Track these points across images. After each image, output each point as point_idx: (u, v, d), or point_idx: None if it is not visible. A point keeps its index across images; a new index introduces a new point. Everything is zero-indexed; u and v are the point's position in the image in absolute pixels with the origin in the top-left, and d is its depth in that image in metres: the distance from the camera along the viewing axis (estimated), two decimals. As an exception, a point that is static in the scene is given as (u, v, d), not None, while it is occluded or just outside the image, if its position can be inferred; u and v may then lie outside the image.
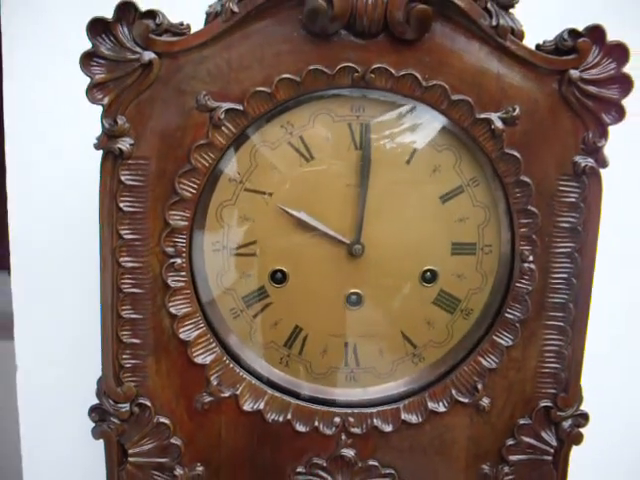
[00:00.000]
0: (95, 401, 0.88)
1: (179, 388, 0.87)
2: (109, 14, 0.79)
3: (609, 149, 0.87)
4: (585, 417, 0.93)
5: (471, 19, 0.80)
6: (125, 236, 0.82)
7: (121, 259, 0.83)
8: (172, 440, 0.88)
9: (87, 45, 0.79)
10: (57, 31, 1.08)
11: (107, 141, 0.80)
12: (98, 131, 0.81)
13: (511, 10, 0.83)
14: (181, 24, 0.80)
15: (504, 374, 0.90)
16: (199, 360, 0.86)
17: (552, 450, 0.94)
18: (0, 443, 1.41)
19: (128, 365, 0.86)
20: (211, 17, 0.80)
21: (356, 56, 0.80)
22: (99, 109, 0.81)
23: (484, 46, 0.82)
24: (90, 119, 0.83)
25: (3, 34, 1.14)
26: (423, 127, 0.86)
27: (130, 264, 0.83)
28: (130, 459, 0.89)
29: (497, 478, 0.93)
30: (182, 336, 0.85)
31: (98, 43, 0.78)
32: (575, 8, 0.92)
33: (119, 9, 0.77)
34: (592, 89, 0.83)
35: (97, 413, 0.88)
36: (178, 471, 0.89)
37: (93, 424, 0.88)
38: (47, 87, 1.13)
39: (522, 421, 0.92)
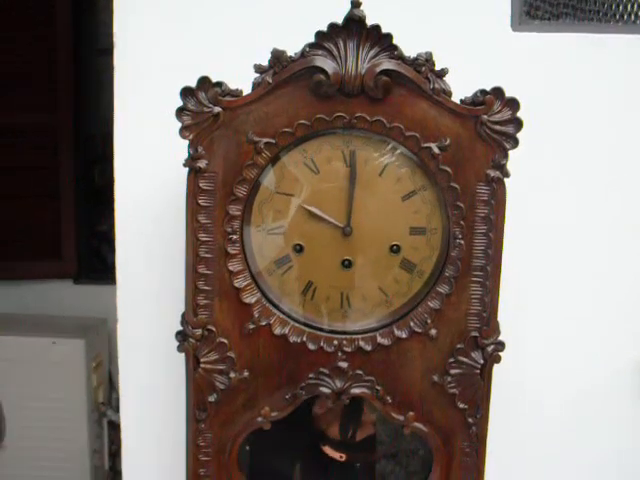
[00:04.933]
0: (180, 328, 1.48)
1: (234, 319, 1.46)
2: (193, 83, 1.39)
3: (511, 164, 1.45)
4: (502, 344, 1.49)
5: (417, 84, 1.38)
6: (201, 221, 1.41)
7: (199, 235, 1.42)
8: (228, 354, 1.47)
9: (179, 102, 1.39)
10: (160, 93, 1.70)
11: (191, 162, 1.40)
12: (185, 156, 1.41)
13: (444, 78, 1.41)
14: (237, 90, 1.40)
15: (445, 313, 1.47)
16: (246, 300, 1.45)
17: (479, 366, 1.49)
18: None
19: (202, 303, 1.45)
20: (256, 85, 1.39)
21: (345, 109, 1.39)
22: (186, 142, 1.41)
23: (426, 101, 1.39)
24: (180, 149, 1.43)
25: (116, 93, 1.80)
26: (389, 153, 1.44)
27: (204, 238, 1.42)
28: (201, 366, 1.47)
29: (443, 385, 1.50)
30: (236, 285, 1.44)
31: (186, 101, 1.38)
32: (484, 76, 1.50)
33: (200, 81, 1.37)
34: (497, 127, 1.40)
35: (181, 335, 1.48)
36: (232, 375, 1.48)
37: (178, 343, 1.48)
38: (152, 128, 1.78)
39: (458, 346, 1.48)
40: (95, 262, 4.05)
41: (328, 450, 1.71)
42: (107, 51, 3.96)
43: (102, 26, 3.89)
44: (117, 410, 3.66)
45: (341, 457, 1.72)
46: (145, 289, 1.90)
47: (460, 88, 1.43)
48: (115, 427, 3.72)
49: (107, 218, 4.08)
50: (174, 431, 1.72)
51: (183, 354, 1.48)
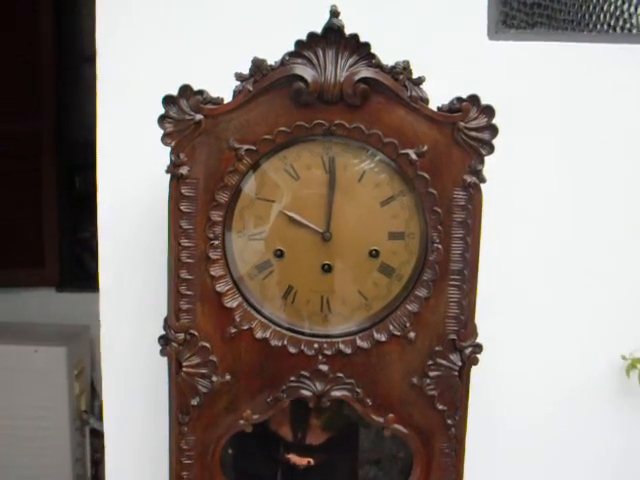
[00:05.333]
0: (162, 332, 1.51)
1: (215, 323, 1.49)
2: (175, 91, 1.42)
3: (488, 169, 1.48)
4: (479, 347, 1.53)
5: (395, 92, 1.42)
6: (183, 226, 1.44)
7: (181, 241, 1.45)
8: (210, 357, 1.50)
9: (161, 110, 1.42)
10: (142, 101, 1.72)
11: (173, 169, 1.43)
12: (167, 163, 1.44)
13: (421, 86, 1.45)
14: (218, 98, 1.43)
15: (424, 316, 1.51)
16: (228, 305, 1.48)
17: (458, 368, 1.53)
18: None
19: (184, 308, 1.48)
20: (236, 93, 1.43)
21: (324, 116, 1.42)
22: (168, 149, 1.44)
23: (404, 108, 1.43)
24: (162, 156, 1.46)
25: (100, 100, 1.83)
26: (368, 159, 1.48)
27: (186, 244, 1.45)
28: (184, 370, 1.50)
29: (422, 387, 1.53)
30: (218, 289, 1.47)
31: (168, 109, 1.41)
32: (461, 84, 1.54)
33: (181, 89, 1.40)
34: (473, 134, 1.44)
35: (164, 340, 1.50)
36: (214, 378, 1.50)
37: (160, 347, 1.51)
38: (134, 135, 1.81)
39: (437, 348, 1.52)
40: (77, 270, 4.06)
41: (293, 457, 1.75)
42: (90, 58, 4.00)
43: (85, 33, 3.91)
44: (100, 418, 3.69)
45: (309, 462, 1.75)
46: (127, 294, 1.92)
47: (437, 96, 1.47)
48: (98, 435, 3.73)
49: (90, 225, 4.11)
50: (156, 435, 1.74)
51: (165, 358, 1.51)
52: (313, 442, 1.73)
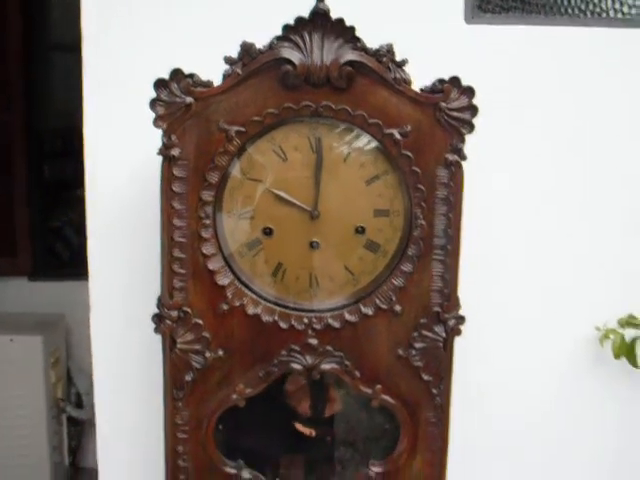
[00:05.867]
0: (156, 311, 1.56)
1: (208, 300, 1.55)
2: (164, 75, 1.47)
3: (468, 148, 1.56)
4: (462, 318, 1.60)
5: (379, 74, 1.48)
6: (175, 207, 1.50)
7: (173, 220, 1.50)
8: (204, 334, 1.56)
9: (148, 95, 1.47)
10: (130, 86, 1.78)
11: (165, 150, 1.48)
12: (153, 145, 1.49)
13: (404, 68, 1.52)
14: (208, 81, 1.49)
15: (409, 290, 1.58)
16: (220, 282, 1.54)
17: (442, 339, 1.60)
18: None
19: (177, 286, 1.54)
20: (226, 77, 1.48)
21: (311, 98, 1.48)
22: (154, 132, 1.49)
23: (388, 90, 1.50)
24: (154, 138, 1.51)
25: (86, 86, 1.87)
26: (354, 139, 1.54)
27: (178, 223, 1.51)
28: (178, 346, 1.56)
29: (408, 358, 1.61)
30: (210, 267, 1.53)
31: (160, 92, 1.46)
32: (441, 66, 1.61)
33: (172, 73, 1.46)
34: (454, 114, 1.51)
35: (157, 318, 1.56)
36: (207, 354, 1.57)
37: (154, 325, 1.56)
38: (119, 120, 1.86)
39: (422, 320, 1.59)
40: (50, 259, 4.08)
41: (299, 427, 1.81)
42: (59, 46, 3.99)
43: (54, 22, 3.92)
44: (77, 406, 3.73)
45: (311, 433, 1.82)
46: (116, 276, 1.98)
47: (419, 79, 1.53)
48: (75, 423, 3.78)
49: (61, 214, 4.13)
50: (150, 412, 1.81)
51: (157, 337, 1.57)
52: (326, 414, 1.81)
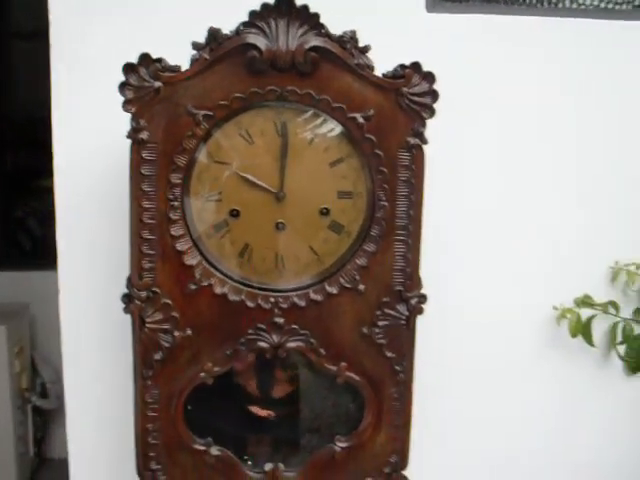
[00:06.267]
0: (126, 291, 1.61)
1: (176, 280, 1.60)
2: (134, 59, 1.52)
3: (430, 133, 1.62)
4: (424, 297, 1.67)
5: (343, 60, 1.54)
6: (145, 189, 1.54)
7: (142, 202, 1.55)
8: (172, 314, 1.61)
9: (115, 79, 1.51)
10: (97, 71, 1.83)
11: (134, 134, 1.52)
12: (127, 128, 1.54)
13: (367, 54, 1.58)
14: (176, 66, 1.54)
15: (372, 270, 1.64)
16: (188, 262, 1.59)
17: (405, 318, 1.67)
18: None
19: (146, 267, 1.58)
20: (193, 62, 1.53)
21: (277, 82, 1.53)
22: (120, 117, 1.53)
23: (351, 75, 1.55)
24: (123, 121, 1.56)
25: (53, 74, 1.91)
26: (318, 123, 1.60)
27: (147, 205, 1.55)
28: (147, 326, 1.61)
29: (372, 336, 1.67)
30: (178, 248, 1.58)
31: (128, 77, 1.51)
32: (403, 53, 1.67)
33: (141, 57, 1.50)
34: (415, 99, 1.58)
35: (127, 298, 1.61)
36: (176, 333, 1.62)
37: (124, 305, 1.61)
38: (95, 104, 1.90)
39: (385, 299, 1.66)
40: (12, 249, 4.09)
41: (255, 409, 1.86)
42: (19, 35, 3.99)
43: (15, 10, 3.92)
44: (42, 396, 3.75)
45: (269, 415, 1.87)
46: (85, 260, 2.02)
47: (382, 64, 1.59)
48: (40, 413, 3.80)
49: (24, 205, 4.13)
50: (119, 391, 1.86)
51: (126, 317, 1.62)
52: (276, 395, 1.85)
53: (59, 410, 3.69)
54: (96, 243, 2.01)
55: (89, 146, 1.95)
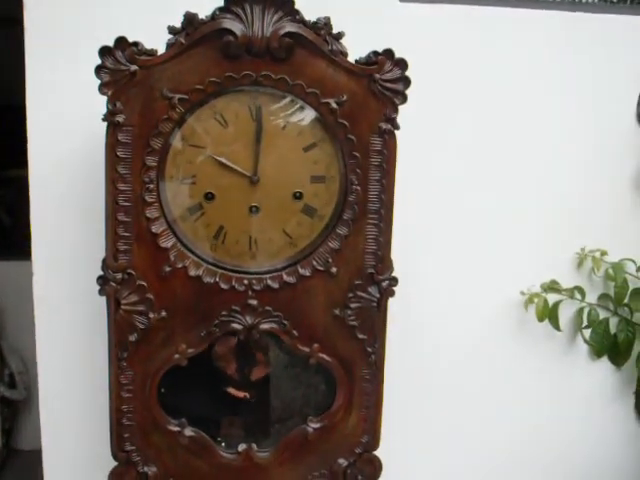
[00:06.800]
0: (101, 273, 1.64)
1: (151, 263, 1.63)
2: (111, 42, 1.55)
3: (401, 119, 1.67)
4: (395, 280, 1.72)
5: (317, 46, 1.58)
6: (120, 171, 1.57)
7: (118, 185, 1.58)
8: (147, 295, 1.64)
9: (98, 61, 1.54)
10: (79, 51, 1.84)
11: (110, 117, 1.55)
12: (104, 110, 1.57)
13: (340, 40, 1.62)
14: (152, 49, 1.57)
15: (344, 253, 1.69)
16: (163, 245, 1.63)
17: (376, 300, 1.72)
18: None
19: (121, 249, 1.61)
20: (169, 46, 1.57)
21: (252, 67, 1.57)
22: (105, 98, 1.56)
23: (325, 61, 1.59)
24: (98, 104, 1.59)
25: (28, 58, 1.93)
26: (292, 107, 1.64)
27: (123, 187, 1.58)
28: (122, 307, 1.64)
29: (344, 318, 1.72)
30: (153, 230, 1.62)
31: (105, 60, 1.54)
32: (376, 41, 1.72)
33: (117, 41, 1.53)
34: (388, 85, 1.62)
35: (102, 280, 1.64)
36: (151, 315, 1.65)
37: (99, 287, 1.64)
38: (72, 87, 1.92)
39: (357, 282, 1.70)
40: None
41: (232, 391, 1.90)
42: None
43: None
44: (10, 386, 3.74)
45: (245, 396, 1.91)
46: (59, 245, 2.04)
47: (355, 51, 1.64)
48: (8, 404, 3.79)
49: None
50: (94, 374, 1.89)
51: (102, 300, 1.65)
52: (252, 377, 1.89)
53: (27, 401, 3.70)
54: (71, 227, 2.03)
55: (64, 131, 1.97)
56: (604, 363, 2.44)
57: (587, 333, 2.36)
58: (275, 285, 1.68)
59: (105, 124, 1.56)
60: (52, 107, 1.98)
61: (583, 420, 2.49)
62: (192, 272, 1.65)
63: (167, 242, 1.64)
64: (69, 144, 1.96)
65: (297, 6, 1.57)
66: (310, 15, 1.58)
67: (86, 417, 2.14)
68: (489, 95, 2.22)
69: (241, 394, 1.89)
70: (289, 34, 1.56)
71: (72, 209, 2.01)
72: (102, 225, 1.62)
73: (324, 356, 1.74)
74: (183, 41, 1.55)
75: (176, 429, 1.74)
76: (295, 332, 1.71)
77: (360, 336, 1.73)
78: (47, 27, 1.95)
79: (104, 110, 1.56)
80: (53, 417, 2.17)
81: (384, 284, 1.72)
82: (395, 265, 1.73)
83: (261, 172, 1.65)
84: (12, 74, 1.97)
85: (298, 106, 1.64)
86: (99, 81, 1.54)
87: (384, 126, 1.64)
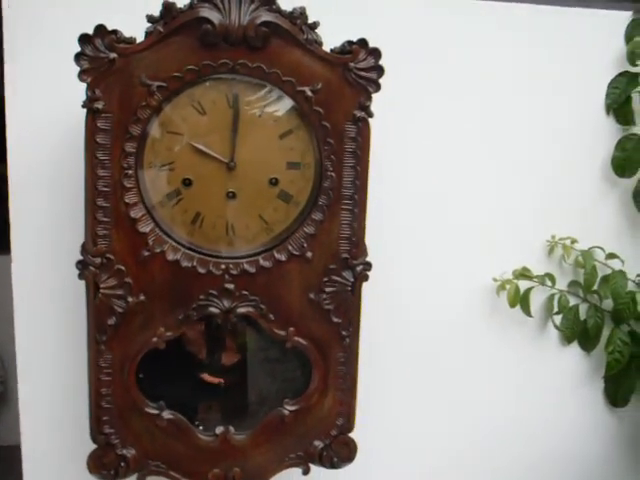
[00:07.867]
0: (80, 257, 1.69)
1: (130, 247, 1.69)
2: (91, 30, 1.60)
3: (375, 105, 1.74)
4: (369, 264, 1.79)
5: (293, 35, 1.65)
6: (100, 157, 1.63)
7: (97, 171, 1.63)
8: (126, 279, 1.70)
9: (77, 48, 1.59)
10: (58, 39, 1.90)
11: (89, 103, 1.61)
12: (83, 97, 1.62)
13: (316, 30, 1.68)
14: (131, 37, 1.63)
15: (319, 238, 1.75)
16: (141, 230, 1.68)
17: (350, 284, 1.79)
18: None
19: (100, 234, 1.67)
20: (148, 34, 1.62)
21: (229, 55, 1.63)
22: (84, 85, 1.61)
23: (300, 50, 1.66)
24: (78, 91, 1.64)
25: (6, 45, 1.97)
26: (269, 95, 1.70)
27: (102, 173, 1.64)
28: (101, 291, 1.70)
29: (319, 302, 1.78)
30: (132, 215, 1.67)
31: (84, 47, 1.59)
32: (352, 29, 1.79)
33: (96, 29, 1.59)
34: (362, 73, 1.69)
35: (81, 264, 1.69)
36: (129, 299, 1.71)
37: (78, 271, 1.69)
38: (51, 74, 1.97)
39: (332, 266, 1.77)
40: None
41: (206, 377, 1.97)
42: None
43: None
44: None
45: (220, 382, 1.97)
46: (37, 228, 2.09)
47: (330, 40, 1.72)
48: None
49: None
50: (74, 358, 1.93)
51: (80, 284, 1.71)
52: (226, 363, 1.96)
53: (4, 395, 3.73)
54: (50, 213, 2.08)
55: (44, 119, 2.02)
56: (574, 349, 2.53)
57: (558, 319, 2.45)
58: (252, 269, 1.74)
59: (85, 111, 1.62)
60: (31, 96, 2.02)
61: (554, 404, 2.57)
62: (170, 256, 1.71)
63: (145, 227, 1.69)
64: (50, 131, 2.01)
65: (272, -3, 1.64)
66: (286, 5, 1.65)
67: (66, 407, 2.18)
68: (461, 84, 2.30)
69: (216, 380, 1.95)
70: (265, 23, 1.62)
71: (53, 195, 2.05)
72: (82, 213, 1.67)
73: (300, 339, 1.80)
74: (161, 30, 1.61)
75: (154, 412, 1.80)
76: (271, 316, 1.77)
77: (335, 320, 1.80)
78: (26, 15, 1.99)
79: (84, 97, 1.61)
80: (32, 408, 2.20)
81: (358, 269, 1.78)
82: (369, 250, 1.80)
83: (238, 158, 1.71)
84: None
85: (274, 94, 1.70)
86: (78, 68, 1.60)
87: (358, 114, 1.71)
